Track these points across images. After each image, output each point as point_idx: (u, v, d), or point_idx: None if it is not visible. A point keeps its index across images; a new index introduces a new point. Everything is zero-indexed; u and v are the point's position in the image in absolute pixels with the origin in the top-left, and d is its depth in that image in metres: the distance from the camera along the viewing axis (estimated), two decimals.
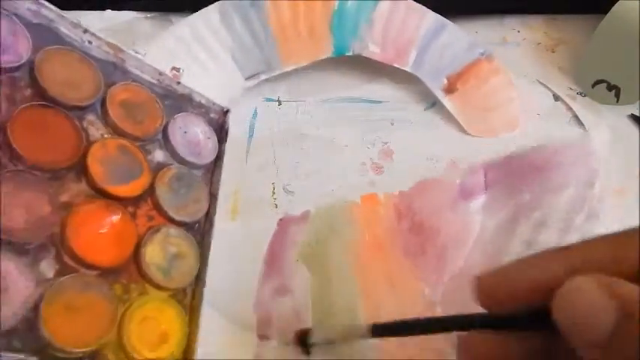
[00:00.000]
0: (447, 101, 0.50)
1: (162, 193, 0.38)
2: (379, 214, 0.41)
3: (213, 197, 0.42)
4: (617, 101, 0.52)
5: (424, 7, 0.52)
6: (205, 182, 0.42)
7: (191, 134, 0.43)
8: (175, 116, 0.42)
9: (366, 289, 0.38)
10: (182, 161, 0.41)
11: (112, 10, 0.51)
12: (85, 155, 0.36)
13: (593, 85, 0.52)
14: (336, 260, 0.39)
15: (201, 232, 0.40)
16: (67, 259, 0.32)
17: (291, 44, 0.49)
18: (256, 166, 0.45)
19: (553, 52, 0.57)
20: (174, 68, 0.45)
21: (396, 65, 0.50)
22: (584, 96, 0.53)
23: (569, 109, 0.52)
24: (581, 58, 0.54)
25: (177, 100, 0.44)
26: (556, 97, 0.53)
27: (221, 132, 0.46)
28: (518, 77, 0.53)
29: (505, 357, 0.22)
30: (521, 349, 0.21)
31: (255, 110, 0.48)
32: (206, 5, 0.48)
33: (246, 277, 0.38)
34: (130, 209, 0.37)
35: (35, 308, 0.30)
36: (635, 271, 0.18)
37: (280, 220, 0.42)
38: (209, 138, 0.44)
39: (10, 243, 0.30)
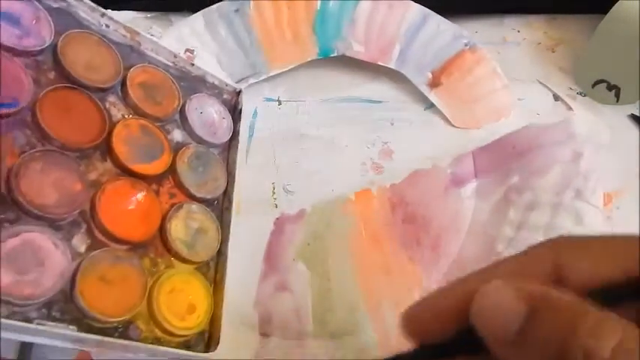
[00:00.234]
0: (432, 96, 0.50)
1: (183, 171, 0.40)
2: (374, 208, 0.42)
3: (230, 175, 0.43)
4: (617, 101, 0.52)
5: (406, 1, 0.52)
6: (222, 161, 0.44)
7: (206, 114, 0.44)
8: (191, 97, 0.44)
9: (365, 283, 0.39)
10: (199, 140, 0.43)
11: (113, 10, 0.51)
12: (109, 135, 0.37)
13: (593, 85, 0.52)
14: (334, 257, 0.40)
15: (220, 208, 0.42)
16: (97, 234, 0.34)
17: (276, 48, 0.50)
18: (256, 166, 0.45)
19: (553, 52, 0.57)
20: (187, 50, 0.46)
21: (380, 63, 0.50)
22: (584, 96, 0.53)
23: (569, 109, 0.52)
24: (581, 58, 0.54)
25: (192, 82, 0.45)
26: (556, 97, 0.53)
27: (234, 112, 0.47)
28: (518, 77, 0.54)
29: None
30: None
31: (255, 110, 0.49)
32: (206, 5, 0.49)
33: (247, 276, 0.39)
34: (154, 187, 0.38)
35: (71, 280, 0.31)
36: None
37: (277, 219, 0.42)
38: (224, 118, 0.45)
39: (44, 219, 0.32)
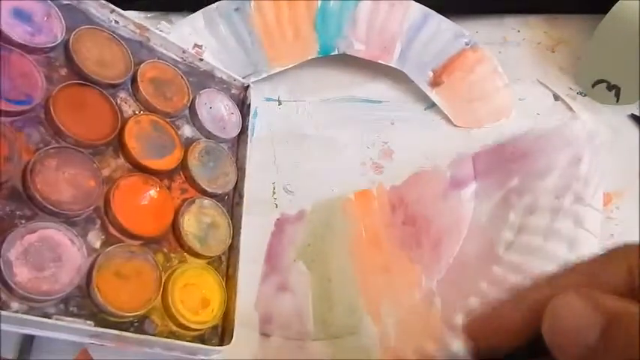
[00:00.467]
0: (433, 95, 0.50)
1: (194, 166, 0.40)
2: (374, 209, 0.42)
3: (240, 170, 0.43)
4: (617, 101, 0.52)
5: (407, 0, 0.52)
6: (232, 156, 0.44)
7: (215, 109, 0.44)
8: (200, 92, 0.44)
9: (365, 283, 0.39)
10: (209, 136, 0.43)
11: None
12: (121, 131, 0.37)
13: (593, 85, 0.52)
14: (334, 257, 0.40)
15: (230, 203, 0.42)
16: (112, 230, 0.34)
17: (277, 46, 0.50)
18: (256, 166, 0.45)
19: (553, 52, 0.57)
20: (196, 45, 0.46)
21: (380, 62, 0.50)
22: (584, 96, 0.53)
23: (569, 109, 0.52)
24: (581, 58, 0.54)
25: (200, 77, 0.45)
26: (556, 97, 0.53)
27: (243, 107, 0.47)
28: (518, 77, 0.54)
29: None
30: None
31: (256, 110, 0.48)
32: (206, 5, 0.49)
33: (248, 276, 0.39)
34: (166, 182, 0.38)
35: (88, 276, 0.32)
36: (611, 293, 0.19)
37: (277, 219, 0.43)
38: (232, 113, 0.46)
39: (60, 215, 0.32)
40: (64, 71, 0.37)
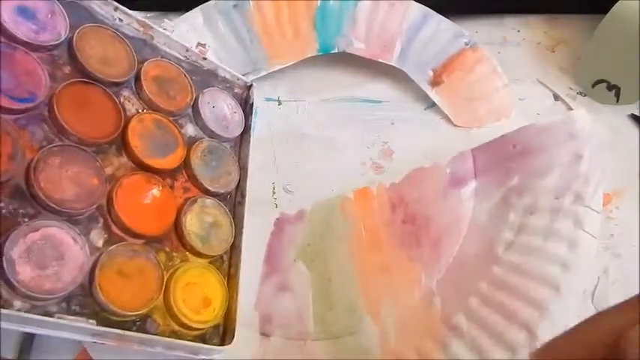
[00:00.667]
0: (433, 94, 0.51)
1: (197, 165, 0.40)
2: (373, 208, 0.43)
3: (242, 170, 0.43)
4: (617, 101, 0.52)
5: (407, 0, 0.52)
6: (234, 155, 0.44)
7: (219, 108, 0.44)
8: (204, 91, 0.44)
9: (365, 283, 0.39)
10: (212, 135, 0.43)
11: None
12: (124, 130, 0.37)
13: (593, 85, 0.53)
14: (334, 257, 0.41)
15: (232, 202, 0.42)
16: (114, 228, 0.34)
17: (276, 44, 0.50)
18: (256, 166, 0.45)
19: (553, 52, 0.57)
20: (199, 44, 0.46)
21: (381, 60, 0.50)
22: (584, 96, 0.53)
23: (569, 108, 0.52)
24: (581, 58, 0.54)
25: (203, 76, 0.45)
26: (556, 97, 0.53)
27: (246, 106, 0.47)
28: (518, 77, 0.54)
29: None
30: None
31: (255, 110, 0.48)
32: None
33: (248, 276, 0.39)
34: (168, 181, 0.38)
35: (90, 275, 0.32)
36: None
37: (277, 219, 0.43)
38: (235, 112, 0.45)
39: (63, 213, 0.32)
40: (67, 69, 0.37)
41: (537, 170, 0.39)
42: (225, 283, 0.38)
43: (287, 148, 0.47)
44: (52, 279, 0.30)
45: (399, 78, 0.52)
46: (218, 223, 0.39)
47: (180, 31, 0.48)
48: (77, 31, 0.37)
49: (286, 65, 0.49)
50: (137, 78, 0.40)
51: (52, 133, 0.34)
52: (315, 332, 0.38)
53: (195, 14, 0.49)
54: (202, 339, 0.35)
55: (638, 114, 0.52)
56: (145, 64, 0.40)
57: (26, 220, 0.30)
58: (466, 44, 0.52)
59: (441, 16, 0.53)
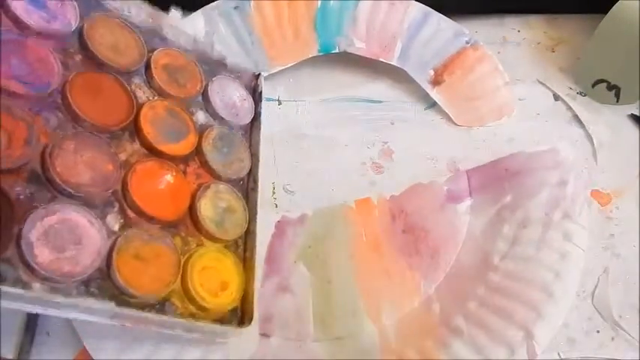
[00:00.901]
0: (434, 94, 0.51)
1: (208, 152, 0.40)
2: (374, 216, 0.43)
3: (254, 156, 0.44)
4: (617, 101, 0.52)
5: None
6: (245, 142, 0.44)
7: (228, 96, 0.45)
8: (213, 79, 0.44)
9: (365, 286, 0.40)
10: (222, 122, 0.43)
11: None
12: (136, 117, 0.37)
13: (593, 85, 0.52)
14: (335, 260, 0.41)
15: (245, 188, 0.42)
16: (130, 213, 0.34)
17: (277, 45, 0.50)
18: None
19: (553, 52, 0.57)
20: (207, 34, 0.46)
21: (381, 60, 0.51)
22: (584, 96, 0.53)
23: (569, 108, 0.52)
24: (581, 58, 0.54)
25: (212, 65, 0.46)
26: (556, 97, 0.53)
27: (255, 94, 0.47)
28: (518, 77, 0.54)
29: None
30: None
31: None
32: (206, 5, 0.50)
33: None
34: (181, 167, 0.39)
35: (108, 258, 0.32)
36: None
37: (278, 222, 0.43)
38: (245, 99, 0.46)
39: (79, 198, 0.32)
40: (78, 57, 0.37)
41: (528, 190, 0.42)
42: (242, 266, 0.38)
43: (287, 148, 0.47)
44: (70, 262, 0.30)
45: (399, 78, 0.52)
46: (232, 208, 0.39)
47: None
48: (87, 19, 0.38)
49: (287, 67, 0.49)
50: (147, 66, 0.40)
51: (66, 119, 0.34)
52: (315, 333, 0.38)
53: (197, 17, 0.49)
54: (221, 322, 0.35)
55: (638, 114, 0.51)
56: (155, 52, 0.41)
57: (43, 204, 0.30)
58: (467, 43, 0.52)
59: (442, 15, 0.53)
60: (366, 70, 0.52)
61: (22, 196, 0.30)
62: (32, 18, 0.34)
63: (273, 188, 0.45)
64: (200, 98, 0.43)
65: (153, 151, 0.37)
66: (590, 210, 0.43)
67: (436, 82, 0.51)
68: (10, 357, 0.35)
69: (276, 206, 0.44)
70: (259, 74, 0.48)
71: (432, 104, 0.51)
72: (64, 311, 0.30)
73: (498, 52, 0.55)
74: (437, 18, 0.53)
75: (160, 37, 0.43)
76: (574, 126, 0.51)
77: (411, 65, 0.51)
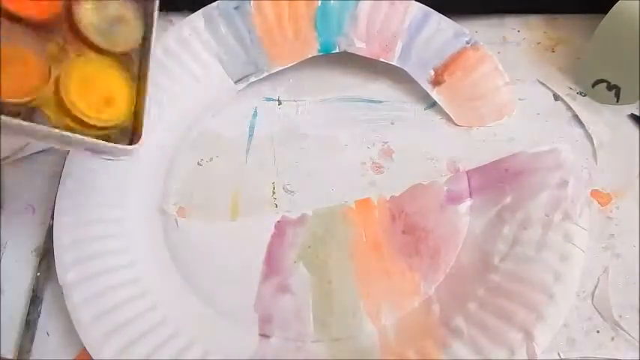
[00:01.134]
0: (435, 94, 0.56)
1: None
2: (374, 217, 0.49)
3: None
4: (617, 101, 0.57)
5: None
6: None
7: None
8: None
9: (365, 286, 0.46)
10: None
11: None
12: None
13: (593, 85, 0.58)
14: (335, 260, 0.47)
15: None
16: None
17: (277, 45, 0.56)
18: (256, 166, 0.52)
19: (553, 52, 0.63)
20: None
21: (382, 59, 0.56)
22: (584, 96, 0.58)
23: (569, 108, 0.57)
24: (581, 58, 0.60)
25: None
26: (556, 97, 0.58)
27: None
28: (518, 77, 0.60)
29: None
30: None
31: (255, 110, 0.55)
32: (206, 5, 0.56)
33: (247, 276, 0.46)
34: None
35: None
36: None
37: (278, 222, 0.49)
38: None
39: None
40: None
41: (529, 191, 0.47)
42: (135, 85, 0.40)
43: (287, 148, 0.53)
44: None
45: (400, 78, 0.57)
46: (124, 18, 0.41)
47: (183, 34, 0.55)
48: None
49: (287, 66, 0.56)
50: None
51: None
52: (315, 333, 0.44)
53: (197, 17, 0.56)
54: (106, 139, 0.36)
55: (638, 114, 0.56)
56: None
57: None
58: (467, 43, 0.57)
59: (442, 15, 0.58)
60: (366, 70, 0.58)
61: None
62: None
63: (273, 188, 0.51)
64: None
65: None
66: (590, 210, 0.48)
67: (436, 82, 0.56)
68: (10, 357, 0.42)
69: (276, 206, 0.50)
70: None
71: (432, 104, 0.56)
72: None
73: (498, 52, 0.60)
74: (437, 18, 0.58)
75: None
76: (574, 126, 0.55)
77: (412, 65, 0.56)
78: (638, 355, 0.42)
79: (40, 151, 0.49)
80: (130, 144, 0.38)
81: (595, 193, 0.50)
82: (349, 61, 0.56)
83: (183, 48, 0.54)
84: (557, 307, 0.40)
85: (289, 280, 0.45)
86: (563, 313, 0.40)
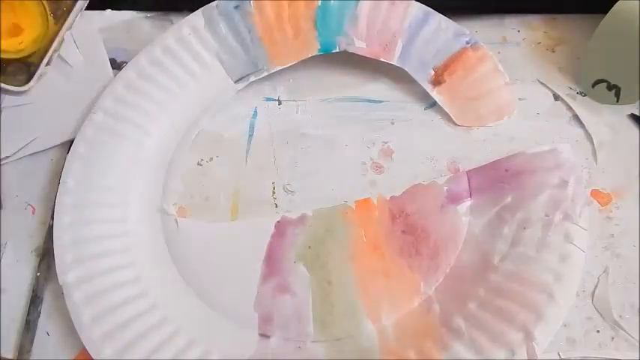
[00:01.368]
0: (435, 94, 0.56)
1: None
2: (374, 217, 0.50)
3: None
4: (617, 101, 0.57)
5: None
6: None
7: None
8: None
9: (365, 286, 0.46)
10: None
11: (113, 10, 0.59)
12: None
13: (593, 85, 0.58)
14: (335, 260, 0.48)
15: None
16: None
17: (277, 44, 0.56)
18: (256, 166, 0.52)
19: (553, 52, 0.63)
20: None
21: (382, 59, 0.56)
22: (584, 96, 0.58)
23: (569, 108, 0.57)
24: (581, 58, 0.60)
25: None
26: (556, 97, 0.58)
27: None
28: (518, 77, 0.60)
29: None
30: None
31: (255, 110, 0.55)
32: (206, 5, 0.56)
33: (247, 276, 0.46)
34: None
35: None
36: None
37: (278, 222, 0.49)
38: None
39: None
40: None
41: (529, 191, 0.48)
42: (52, 18, 0.38)
43: (287, 148, 0.54)
44: None
45: (400, 78, 0.57)
46: None
47: (182, 34, 0.55)
48: None
49: (287, 66, 0.55)
50: None
51: None
52: (315, 333, 0.44)
53: (197, 16, 0.56)
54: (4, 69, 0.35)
55: (638, 114, 0.55)
56: None
57: None
58: (467, 43, 0.57)
59: (442, 15, 0.58)
60: (366, 69, 0.58)
61: None
62: None
63: (273, 188, 0.52)
64: None
65: None
66: (590, 210, 0.48)
67: (436, 82, 0.56)
68: (10, 357, 0.42)
69: (276, 206, 0.51)
70: None
71: (432, 104, 0.56)
72: None
73: (498, 52, 0.60)
74: (437, 18, 0.58)
75: None
76: (574, 126, 0.55)
77: (412, 65, 0.56)
78: (638, 355, 0.42)
79: (40, 151, 0.49)
80: (27, 83, 0.36)
81: (595, 193, 0.50)
82: (349, 61, 0.57)
83: (182, 48, 0.54)
84: (557, 307, 0.41)
85: (289, 280, 0.46)
86: (563, 313, 0.41)
